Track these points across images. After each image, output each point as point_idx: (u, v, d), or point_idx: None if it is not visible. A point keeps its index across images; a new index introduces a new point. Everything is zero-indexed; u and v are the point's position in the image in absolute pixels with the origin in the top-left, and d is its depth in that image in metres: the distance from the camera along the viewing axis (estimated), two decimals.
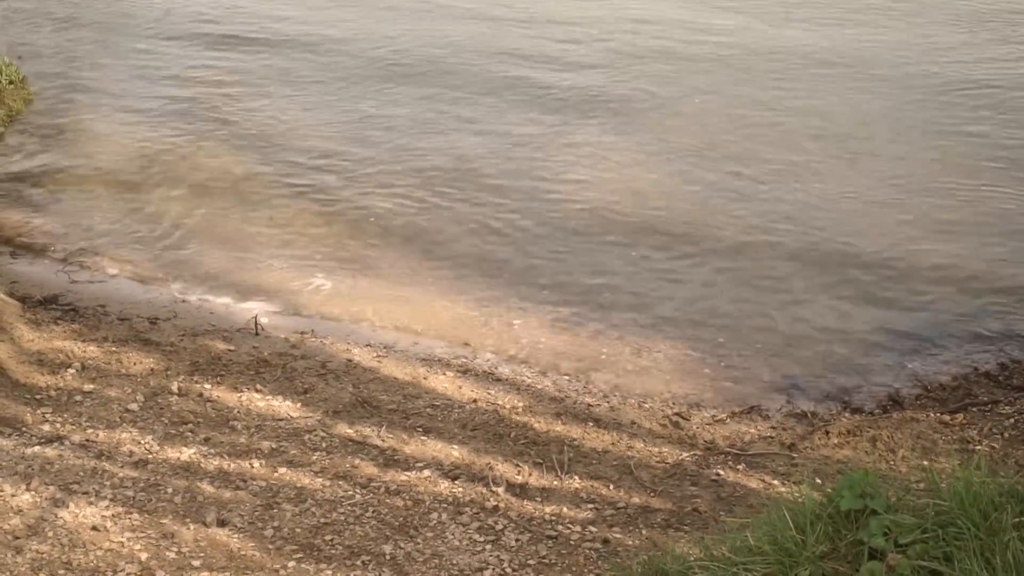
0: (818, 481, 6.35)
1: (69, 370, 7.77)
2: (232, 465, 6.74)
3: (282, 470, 6.71)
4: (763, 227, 10.34)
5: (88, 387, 7.57)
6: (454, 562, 5.93)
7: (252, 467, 6.73)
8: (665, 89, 13.50)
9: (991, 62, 14.21)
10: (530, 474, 6.82)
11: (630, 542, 6.16)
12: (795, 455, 7.14)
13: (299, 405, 7.51)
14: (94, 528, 6.01)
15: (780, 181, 11.18)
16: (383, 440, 7.10)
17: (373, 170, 11.52)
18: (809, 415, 7.80)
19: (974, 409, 7.68)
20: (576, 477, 6.82)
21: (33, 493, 6.25)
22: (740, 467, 7.02)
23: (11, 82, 13.27)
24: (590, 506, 6.53)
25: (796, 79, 13.79)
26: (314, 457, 6.87)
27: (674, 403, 7.99)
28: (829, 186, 11.05)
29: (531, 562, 5.95)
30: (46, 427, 7.04)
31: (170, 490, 6.43)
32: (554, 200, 10.87)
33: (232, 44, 15.19)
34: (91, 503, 6.23)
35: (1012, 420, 7.47)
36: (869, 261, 9.78)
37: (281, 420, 7.30)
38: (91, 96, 13.49)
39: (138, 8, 16.77)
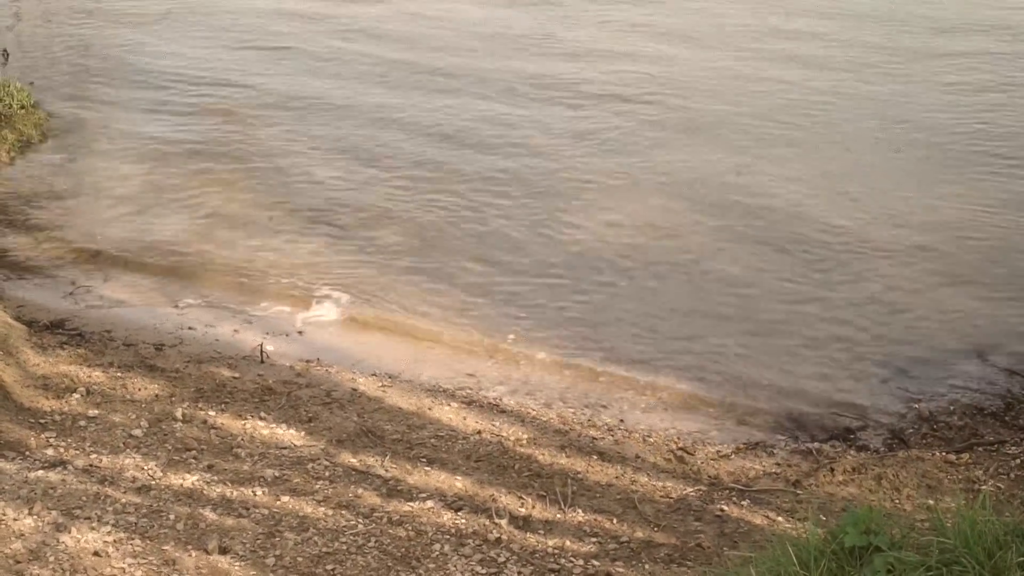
0: (823, 518, 6.33)
1: (74, 395, 7.77)
2: (235, 493, 6.73)
3: (285, 498, 6.70)
4: (770, 263, 10.32)
5: (92, 412, 7.57)
6: None
7: (255, 495, 6.72)
8: (670, 120, 13.52)
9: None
10: (533, 506, 6.80)
11: None
12: (800, 492, 7.12)
13: (303, 434, 7.50)
14: (96, 553, 5.99)
15: (784, 217, 11.17)
16: (387, 470, 7.09)
17: (379, 200, 11.53)
18: (814, 452, 7.77)
19: (980, 449, 7.66)
20: (579, 510, 6.80)
21: (35, 517, 6.25)
22: (744, 503, 7.00)
23: (22, 107, 13.34)
24: (593, 540, 6.51)
25: (803, 105, 13.80)
26: (317, 486, 6.86)
27: (679, 438, 7.97)
28: (834, 223, 11.03)
29: None
30: (50, 451, 7.04)
31: (172, 516, 6.43)
32: (563, 234, 10.88)
33: (240, 71, 15.25)
34: (93, 528, 6.22)
35: (1018, 460, 7.44)
36: (875, 300, 9.76)
37: (285, 448, 7.29)
38: (101, 122, 13.56)
39: (149, 36, 16.84)
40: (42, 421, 7.43)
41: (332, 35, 16.93)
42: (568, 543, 6.45)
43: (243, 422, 7.59)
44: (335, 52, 16.15)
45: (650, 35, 16.74)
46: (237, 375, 8.33)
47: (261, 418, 7.66)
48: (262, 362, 8.63)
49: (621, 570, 6.20)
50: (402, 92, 14.59)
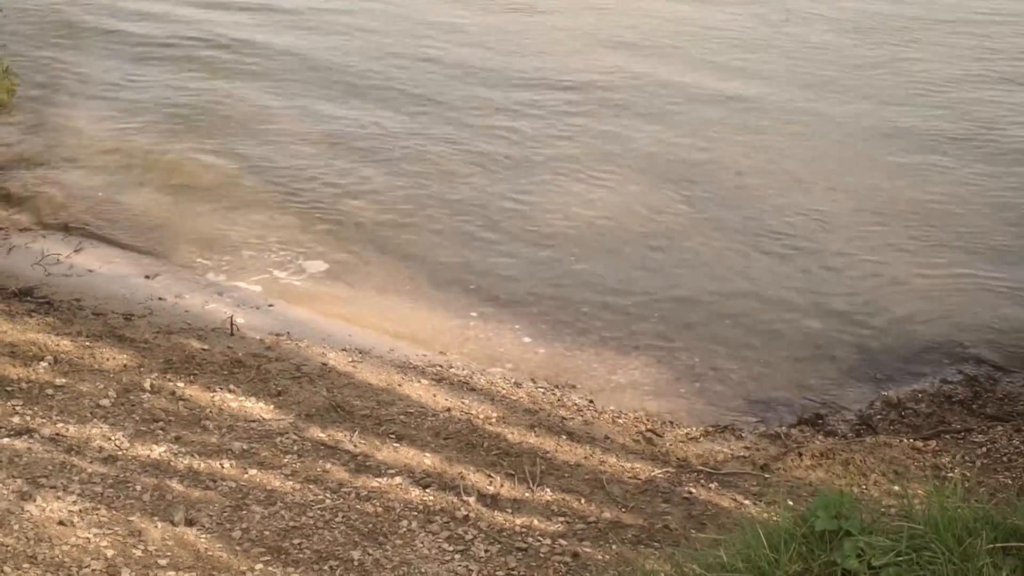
0: (790, 503, 6.34)
1: (41, 363, 7.70)
2: (202, 465, 6.69)
3: (252, 472, 6.66)
4: (743, 250, 10.34)
5: (60, 381, 7.50)
6: (422, 571, 5.89)
7: (222, 467, 6.68)
8: (649, 108, 13.50)
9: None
10: (502, 485, 6.79)
11: (600, 557, 6.13)
12: (768, 475, 7.14)
13: (272, 407, 7.46)
14: (60, 523, 5.95)
15: (760, 204, 11.18)
16: (355, 445, 7.06)
17: (357, 179, 11.49)
18: (783, 436, 7.80)
19: (947, 436, 7.69)
20: (548, 490, 6.79)
21: (0, 485, 6.19)
22: (712, 485, 7.01)
23: None
24: (561, 519, 6.50)
25: (781, 103, 13.82)
26: (285, 460, 6.82)
27: (648, 419, 7.98)
28: (809, 212, 11.05)
29: (500, 573, 5.91)
30: (16, 419, 6.97)
31: (139, 487, 6.38)
32: (536, 216, 10.86)
33: (221, 48, 15.12)
34: (58, 497, 6.17)
35: (984, 448, 7.48)
36: (847, 287, 9.79)
37: (253, 421, 7.25)
38: (75, 89, 13.45)
39: (128, 4, 16.69)
40: (8, 389, 7.35)
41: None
42: (536, 522, 6.44)
43: (212, 394, 7.54)
44: (318, 31, 16.07)
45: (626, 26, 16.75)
46: (207, 347, 8.28)
47: (230, 391, 7.62)
48: (232, 334, 8.59)
49: (588, 550, 6.20)
50: (387, 71, 14.52)
